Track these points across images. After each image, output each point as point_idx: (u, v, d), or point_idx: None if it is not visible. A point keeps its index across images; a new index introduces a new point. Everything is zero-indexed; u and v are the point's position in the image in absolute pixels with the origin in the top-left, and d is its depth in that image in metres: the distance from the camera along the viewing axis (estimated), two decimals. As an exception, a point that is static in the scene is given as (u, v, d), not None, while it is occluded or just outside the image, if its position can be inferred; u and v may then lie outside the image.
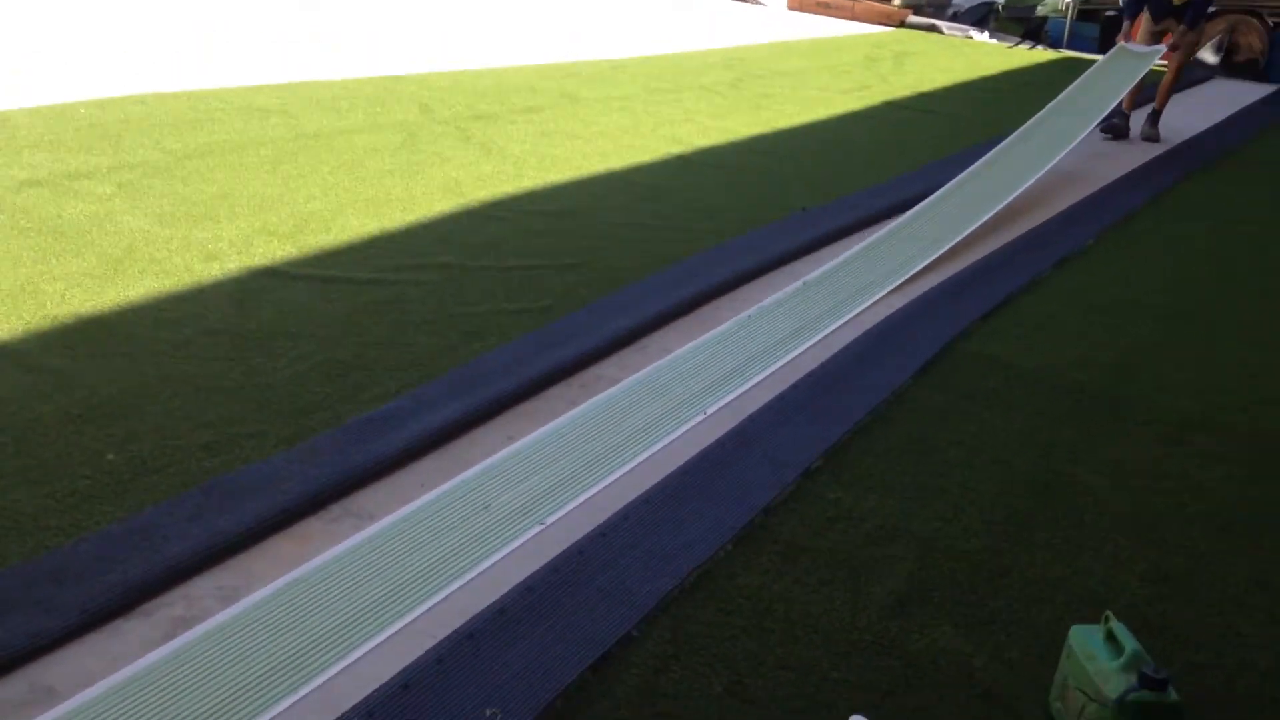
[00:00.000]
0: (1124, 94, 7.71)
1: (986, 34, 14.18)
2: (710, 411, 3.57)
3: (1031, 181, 6.24)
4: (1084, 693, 2.23)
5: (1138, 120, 8.56)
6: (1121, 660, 2.21)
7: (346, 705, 2.23)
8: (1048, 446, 3.53)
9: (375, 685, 2.29)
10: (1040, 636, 2.59)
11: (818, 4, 14.92)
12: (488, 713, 2.25)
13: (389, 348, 3.76)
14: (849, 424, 3.56)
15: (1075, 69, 11.98)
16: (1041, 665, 2.48)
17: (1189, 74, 8.95)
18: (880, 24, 14.14)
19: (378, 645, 2.42)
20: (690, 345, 4.06)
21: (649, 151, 6.51)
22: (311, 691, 2.28)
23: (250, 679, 2.30)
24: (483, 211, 5.18)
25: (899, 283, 4.88)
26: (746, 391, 3.73)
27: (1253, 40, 12.60)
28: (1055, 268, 5.27)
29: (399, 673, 2.33)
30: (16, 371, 3.29)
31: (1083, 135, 6.90)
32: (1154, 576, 2.88)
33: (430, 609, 2.55)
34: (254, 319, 3.83)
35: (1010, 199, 6.00)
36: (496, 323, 4.01)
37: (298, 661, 2.37)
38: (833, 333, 4.29)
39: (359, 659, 2.38)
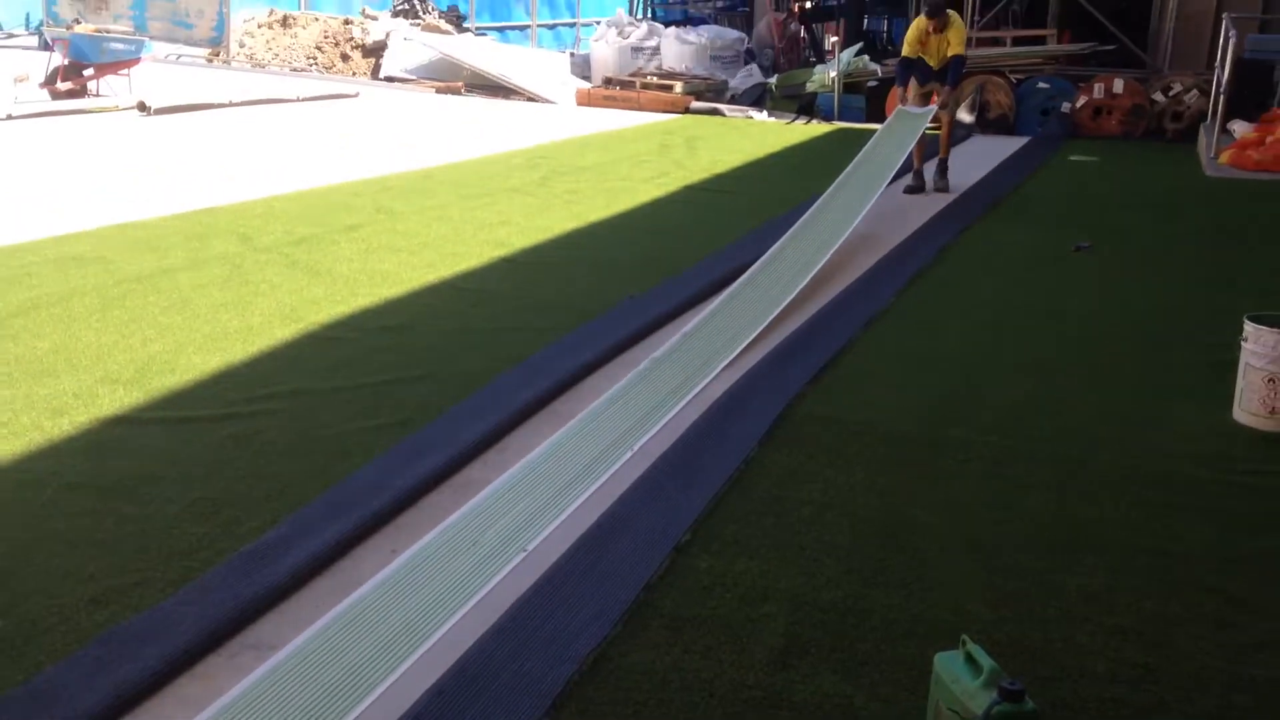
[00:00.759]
0: (911, 148, 8.97)
1: (765, 113, 15.10)
2: (579, 502, 3.79)
3: (844, 237, 7.00)
4: (955, 712, 2.52)
5: (928, 173, 9.71)
6: (981, 678, 2.51)
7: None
8: (885, 493, 3.90)
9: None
10: (910, 669, 2.89)
11: (604, 97, 15.57)
12: None
13: (256, 479, 3.83)
14: (710, 494, 3.84)
15: (849, 136, 12.96)
16: (914, 695, 2.77)
17: (953, 133, 10.04)
18: (666, 111, 14.87)
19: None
20: (548, 441, 4.27)
21: (473, 257, 6.74)
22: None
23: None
24: (323, 334, 5.29)
25: (734, 354, 5.25)
26: (612, 475, 3.96)
27: (1000, 98, 13.87)
28: (864, 327, 5.75)
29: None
30: (-123, 554, 3.22)
31: (882, 189, 7.85)
32: (996, 600, 3.25)
33: (352, 725, 2.65)
34: (113, 469, 3.84)
35: (826, 257, 6.63)
36: (359, 441, 4.13)
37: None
38: (680, 410, 4.58)
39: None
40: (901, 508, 3.79)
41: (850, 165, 8.29)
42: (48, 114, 11.47)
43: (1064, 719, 2.73)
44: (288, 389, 4.59)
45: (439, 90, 15.95)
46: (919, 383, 5.01)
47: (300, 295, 5.80)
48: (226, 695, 2.75)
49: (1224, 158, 11.04)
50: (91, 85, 12.71)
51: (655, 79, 15.88)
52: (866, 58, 15.64)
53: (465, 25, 20.50)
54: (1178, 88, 13.76)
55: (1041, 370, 5.23)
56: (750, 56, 17.48)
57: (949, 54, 9.17)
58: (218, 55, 17.31)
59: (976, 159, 11.27)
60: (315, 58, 17.90)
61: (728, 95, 16.10)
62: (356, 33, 18.22)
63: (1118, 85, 13.71)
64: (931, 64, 9.31)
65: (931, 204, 9.02)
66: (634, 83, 15.73)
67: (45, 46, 14.32)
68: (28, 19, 18.61)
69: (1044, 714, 2.57)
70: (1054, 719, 2.71)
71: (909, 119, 9.17)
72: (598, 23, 20.08)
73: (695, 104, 15.07)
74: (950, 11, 9.20)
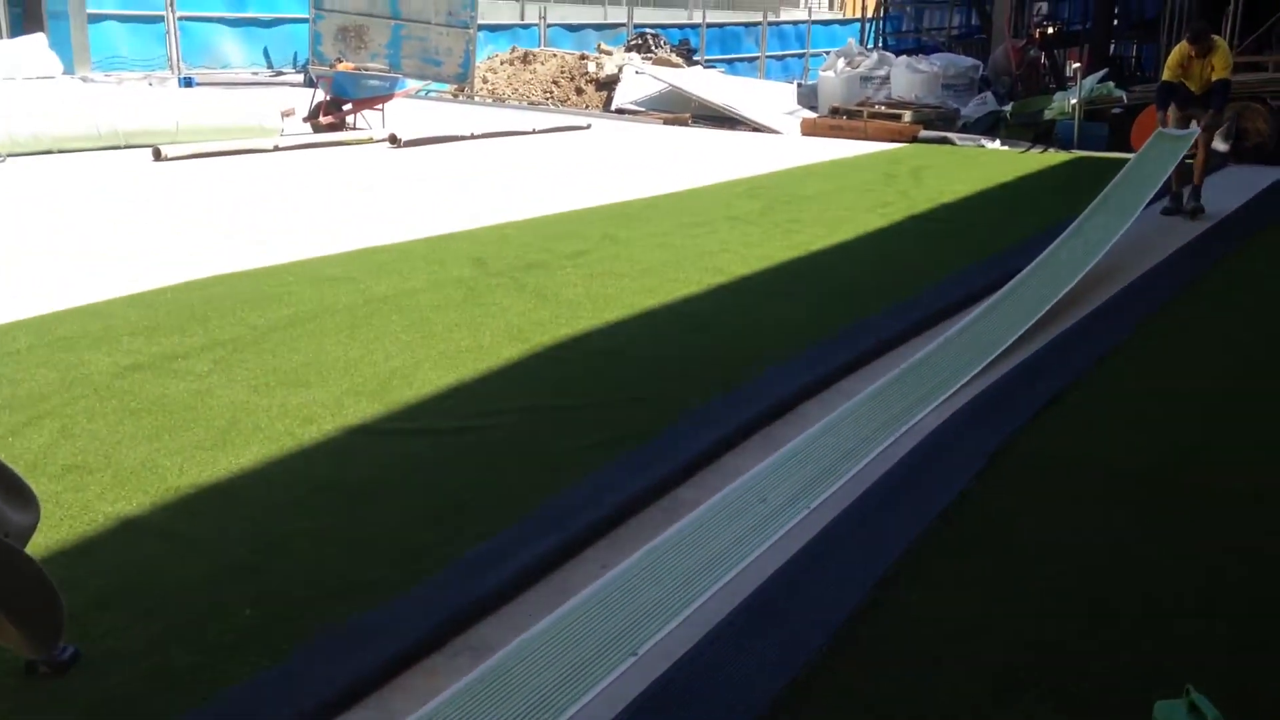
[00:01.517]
0: (1170, 170, 8.76)
1: (998, 141, 14.67)
2: (786, 529, 3.81)
3: (1107, 248, 7.25)
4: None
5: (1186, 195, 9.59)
6: (1205, 728, 2.40)
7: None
8: (1113, 532, 3.73)
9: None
10: (1132, 714, 2.76)
11: (830, 127, 15.51)
12: None
13: (482, 490, 4.03)
14: (921, 527, 3.79)
15: (1088, 166, 12.42)
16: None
17: (1208, 161, 9.71)
18: (892, 140, 14.68)
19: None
20: (758, 467, 4.31)
21: (693, 283, 6.87)
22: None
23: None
24: (547, 354, 5.52)
25: (965, 380, 5.27)
26: (821, 504, 3.97)
27: (1259, 125, 12.98)
28: (1100, 361, 5.51)
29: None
30: (152, 540, 3.59)
31: (1140, 210, 7.90)
32: (1230, 650, 3.05)
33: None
34: (355, 474, 4.13)
35: (1078, 279, 6.78)
36: (578, 457, 4.28)
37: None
38: (895, 441, 4.54)
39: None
40: (1131, 549, 3.62)
41: (1108, 186, 8.31)
42: (310, 145, 12.43)
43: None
44: (514, 405, 4.81)
45: (666, 121, 16.31)
46: (1154, 422, 4.76)
47: (527, 317, 6.07)
48: (444, 693, 2.92)
49: None
50: (349, 119, 13.69)
51: (883, 108, 15.71)
52: (1111, 84, 14.98)
53: (695, 58, 20.90)
54: None
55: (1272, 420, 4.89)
56: (985, 84, 17.05)
57: (1213, 78, 9.03)
58: (462, 91, 18.30)
59: (1232, 190, 10.58)
60: (552, 92, 18.66)
61: (959, 124, 15.75)
62: (591, 68, 18.88)
63: (1396, 110, 12.59)
64: (1193, 88, 9.15)
65: (1186, 229, 8.60)
66: (861, 112, 15.61)
67: (310, 83, 15.53)
68: (295, 58, 20.22)
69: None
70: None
71: (1169, 141, 9.07)
72: (827, 53, 20.05)
73: (924, 133, 14.81)
74: (1215, 36, 9.18)
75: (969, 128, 15.55)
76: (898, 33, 20.04)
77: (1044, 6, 23.36)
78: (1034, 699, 2.84)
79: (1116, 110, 14.50)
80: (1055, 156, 13.35)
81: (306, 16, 17.28)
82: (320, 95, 13.59)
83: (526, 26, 21.69)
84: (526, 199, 9.61)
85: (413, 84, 16.17)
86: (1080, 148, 13.94)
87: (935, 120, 15.48)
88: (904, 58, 17.24)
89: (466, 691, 2.93)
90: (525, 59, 19.42)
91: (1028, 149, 13.98)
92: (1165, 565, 3.53)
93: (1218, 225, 9.18)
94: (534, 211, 9.04)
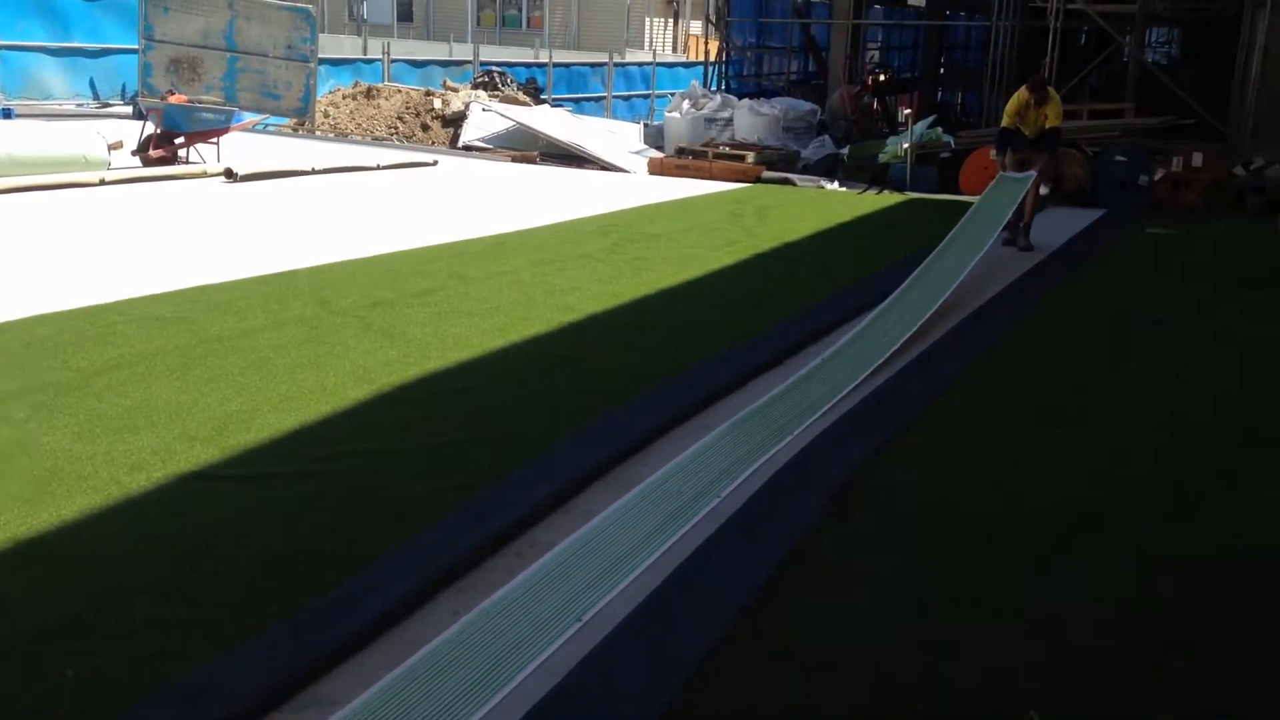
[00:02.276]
0: (1013, 209, 9.56)
1: (836, 183, 15.13)
2: (640, 569, 3.78)
3: (958, 283, 7.78)
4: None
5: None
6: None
7: None
8: (950, 566, 3.83)
9: None
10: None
11: (677, 166, 15.73)
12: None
13: (326, 537, 3.88)
14: (775, 559, 3.81)
15: (921, 207, 12.93)
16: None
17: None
18: (737, 180, 14.97)
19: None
20: (612, 506, 4.27)
21: (544, 322, 6.82)
22: None
23: None
24: (395, 395, 5.37)
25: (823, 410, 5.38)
26: (676, 542, 3.95)
27: (1076, 170, 13.76)
28: (935, 396, 5.69)
29: None
30: (-39, 601, 3.32)
31: (987, 247, 8.54)
32: (1066, 679, 3.15)
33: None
34: (188, 524, 3.92)
35: (944, 298, 7.44)
36: (426, 502, 4.17)
37: None
38: (747, 477, 4.57)
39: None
40: (968, 583, 3.72)
41: (957, 225, 9.02)
42: (140, 179, 11.90)
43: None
44: (359, 449, 4.66)
45: (514, 159, 16.26)
46: (991, 456, 4.93)
47: (374, 357, 5.91)
48: None
49: (1308, 232, 10.81)
50: (182, 153, 13.18)
51: (728, 149, 16.03)
52: (940, 129, 15.65)
53: (543, 97, 20.95)
54: (1259, 162, 13.54)
55: (1115, 445, 5.13)
56: (823, 128, 17.59)
57: (1046, 126, 9.96)
58: (303, 125, 17.87)
59: (1054, 231, 11.16)
60: (397, 127, 18.39)
61: (799, 165, 16.18)
62: (437, 104, 18.70)
63: (1197, 159, 13.54)
64: (1028, 133, 10.04)
65: (1014, 266, 9.00)
66: (706, 152, 15.89)
67: (139, 116, 14.91)
68: (123, 89, 19.41)
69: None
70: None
71: (1010, 184, 9.89)
72: (672, 94, 20.39)
73: (767, 173, 15.16)
74: (1050, 88, 10.11)
75: (809, 169, 16.00)
76: (739, 76, 20.50)
77: (876, 55, 24.36)
78: None
79: (945, 155, 15.15)
80: (890, 198, 13.85)
81: (135, 47, 16.62)
82: (150, 128, 13.06)
83: (369, 61, 21.35)
84: (371, 236, 9.41)
85: (250, 117, 15.70)
86: (913, 189, 14.49)
87: (777, 161, 15.87)
88: (746, 101, 17.64)
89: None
90: (369, 94, 19.10)
91: (864, 190, 14.45)
92: (1002, 602, 3.64)
93: (1046, 259, 9.66)
94: (379, 249, 8.85)
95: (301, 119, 17.60)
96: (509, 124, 17.54)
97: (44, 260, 7.87)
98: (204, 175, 12.49)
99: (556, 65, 23.43)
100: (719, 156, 15.70)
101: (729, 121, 17.32)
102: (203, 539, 3.81)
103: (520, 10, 36.34)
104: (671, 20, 37.11)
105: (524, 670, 3.16)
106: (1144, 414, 5.59)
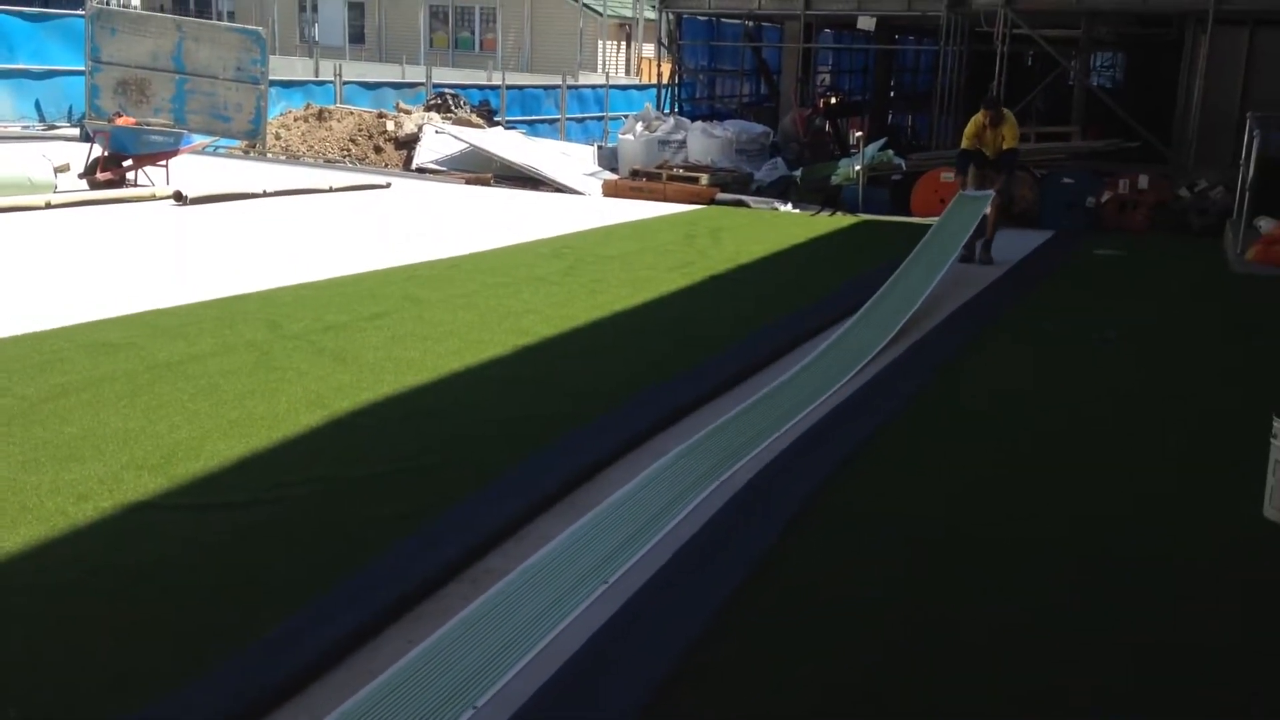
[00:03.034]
0: (975, 226, 9.93)
1: (789, 204, 15.25)
2: (595, 595, 3.76)
3: (926, 295, 8.21)
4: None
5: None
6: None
7: None
8: (905, 586, 3.84)
9: None
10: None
11: (631, 189, 15.78)
12: None
13: (274, 567, 3.82)
14: (732, 586, 3.81)
15: (872, 228, 13.05)
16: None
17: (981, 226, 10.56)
18: (691, 202, 15.03)
19: None
20: (567, 532, 4.25)
21: (499, 345, 6.79)
22: None
23: None
24: (348, 421, 5.32)
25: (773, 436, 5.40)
26: (633, 566, 3.93)
27: (1025, 192, 13.97)
28: (887, 420, 5.73)
29: None
30: (-103, 638, 3.22)
31: (950, 263, 8.97)
32: (1018, 694, 3.17)
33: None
34: (136, 554, 3.85)
35: (913, 311, 7.87)
36: (379, 529, 4.12)
37: None
38: (702, 500, 4.56)
39: None
40: (920, 600, 3.73)
41: (921, 242, 9.44)
42: (87, 203, 11.72)
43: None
44: (311, 476, 4.60)
45: (468, 181, 16.22)
46: (943, 474, 4.97)
47: (326, 382, 5.84)
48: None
49: (1251, 254, 11.03)
50: (130, 176, 13.01)
51: (681, 171, 16.10)
52: (891, 152, 15.84)
53: (496, 119, 20.93)
54: (1203, 184, 13.83)
55: (1066, 462, 5.19)
56: (775, 150, 17.73)
57: (1003, 146, 10.40)
58: (254, 147, 17.73)
59: (1002, 251, 11.30)
60: (349, 149, 18.29)
61: (753, 187, 16.29)
62: (390, 126, 18.62)
63: (1142, 181, 13.80)
64: (987, 154, 10.51)
65: (960, 291, 9.08)
66: (660, 174, 15.95)
67: (86, 138, 14.71)
68: (70, 111, 19.17)
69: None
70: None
71: (970, 202, 10.30)
72: (625, 117, 20.46)
73: (721, 195, 15.25)
74: (1005, 110, 10.52)
75: (762, 191, 16.11)
76: (693, 99, 20.62)
77: (827, 78, 24.60)
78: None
79: (896, 177, 15.33)
80: (843, 219, 13.97)
81: (83, 69, 16.41)
82: (97, 150, 12.88)
83: (321, 83, 21.21)
84: (324, 259, 9.33)
85: (200, 140, 15.54)
86: (865, 211, 14.64)
87: (731, 183, 15.97)
88: (699, 123, 17.75)
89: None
90: (321, 116, 18.97)
91: (817, 212, 14.58)
92: (954, 617, 3.66)
93: (990, 287, 9.77)
94: (332, 272, 8.77)
95: (252, 141, 17.46)
96: (463, 146, 17.51)
97: (-13, 285, 7.73)
98: (153, 198, 12.33)
99: (510, 87, 23.43)
100: (673, 178, 15.77)
101: (682, 144, 17.41)
102: (150, 570, 3.74)
103: (473, 32, 36.36)
104: (624, 43, 37.32)
105: (479, 701, 3.12)
106: (1091, 427, 5.66)
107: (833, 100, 20.73)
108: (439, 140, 17.95)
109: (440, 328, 7.15)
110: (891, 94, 25.72)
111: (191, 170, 14.06)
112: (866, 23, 18.00)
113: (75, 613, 3.44)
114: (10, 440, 4.76)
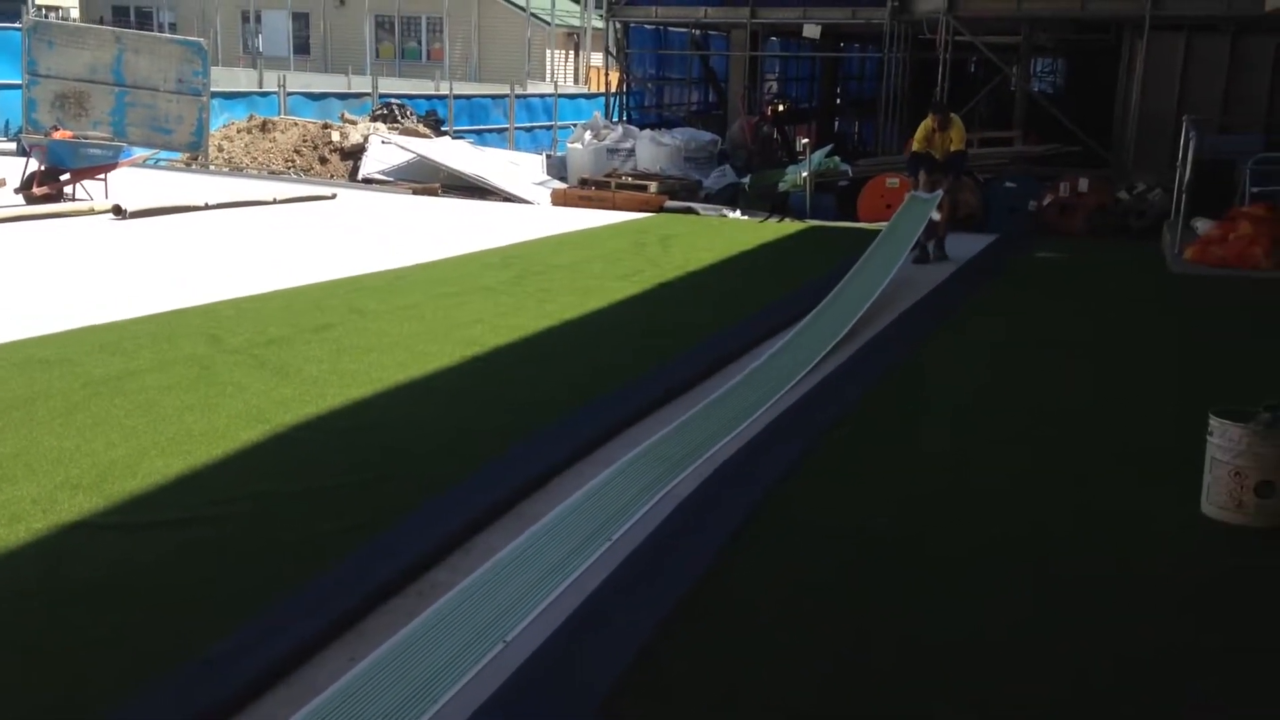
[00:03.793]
0: (924, 225, 10.41)
1: (738, 211, 15.30)
2: (541, 607, 3.72)
3: (880, 290, 8.52)
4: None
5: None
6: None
7: None
8: (852, 595, 3.84)
9: None
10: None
11: (580, 197, 15.74)
12: None
13: (215, 586, 3.75)
14: (679, 593, 3.79)
15: (820, 234, 13.13)
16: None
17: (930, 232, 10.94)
18: (640, 210, 15.03)
19: None
20: (514, 543, 4.21)
21: (445, 356, 6.72)
22: None
23: None
24: (289, 435, 5.24)
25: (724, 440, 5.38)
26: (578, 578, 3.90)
27: (969, 198, 14.11)
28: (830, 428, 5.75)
29: None
30: None
31: (902, 260, 9.38)
32: (969, 703, 3.18)
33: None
34: (70, 575, 3.76)
35: (868, 305, 8.17)
36: (321, 545, 4.05)
37: None
38: (651, 507, 4.54)
39: None
40: (866, 610, 3.74)
41: (874, 241, 9.90)
42: (23, 218, 11.49)
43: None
44: (251, 492, 4.52)
45: (416, 191, 16.10)
46: (889, 479, 4.99)
47: (268, 397, 5.76)
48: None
49: (1189, 254, 11.22)
50: (68, 190, 12.78)
51: (630, 179, 16.10)
52: (838, 158, 15.94)
53: (444, 129, 20.82)
54: (1141, 186, 14.06)
55: (1006, 465, 5.23)
56: (724, 157, 17.78)
57: (951, 149, 10.85)
58: (196, 159, 17.48)
59: (958, 248, 11.46)
60: (294, 161, 18.09)
61: (701, 194, 16.32)
62: (335, 137, 18.45)
63: (1083, 184, 14.00)
64: (936, 157, 10.94)
65: (912, 288, 9.17)
66: (609, 183, 15.94)
67: (23, 153, 14.43)
68: (6, 125, 18.81)
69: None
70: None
71: (921, 203, 10.71)
72: (574, 126, 20.43)
73: (670, 203, 15.26)
74: (953, 114, 11.02)
75: (711, 198, 16.14)
76: (641, 107, 20.64)
77: (774, 85, 24.74)
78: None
79: (843, 183, 15.43)
80: (791, 225, 14.04)
81: (19, 83, 16.09)
82: (34, 164, 12.64)
83: (265, 94, 20.96)
84: (266, 271, 9.21)
85: (140, 153, 15.30)
86: (812, 217, 14.71)
87: (680, 191, 15.99)
88: (648, 131, 17.76)
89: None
90: (264, 127, 18.75)
91: (765, 218, 14.63)
92: (901, 630, 3.66)
93: (950, 278, 9.88)
94: (274, 284, 8.66)
95: (195, 153, 17.21)
96: (410, 156, 17.39)
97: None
98: (91, 212, 12.11)
99: (457, 97, 23.31)
100: (622, 187, 15.76)
101: (631, 152, 17.42)
102: (86, 591, 3.65)
103: (420, 42, 36.18)
104: (572, 52, 37.31)
105: (423, 717, 3.07)
106: (1036, 429, 5.71)
107: (780, 108, 20.85)
108: (386, 150, 17.82)
109: (386, 339, 7.08)
110: (838, 101, 25.93)
111: (131, 184, 13.84)
112: (812, 31, 18.13)
113: (8, 638, 3.34)
114: (-61, 461, 4.64)
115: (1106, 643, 3.53)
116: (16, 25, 17.21)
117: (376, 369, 6.37)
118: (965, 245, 12.24)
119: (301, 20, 36.74)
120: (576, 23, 36.71)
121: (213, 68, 17.35)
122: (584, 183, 16.34)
